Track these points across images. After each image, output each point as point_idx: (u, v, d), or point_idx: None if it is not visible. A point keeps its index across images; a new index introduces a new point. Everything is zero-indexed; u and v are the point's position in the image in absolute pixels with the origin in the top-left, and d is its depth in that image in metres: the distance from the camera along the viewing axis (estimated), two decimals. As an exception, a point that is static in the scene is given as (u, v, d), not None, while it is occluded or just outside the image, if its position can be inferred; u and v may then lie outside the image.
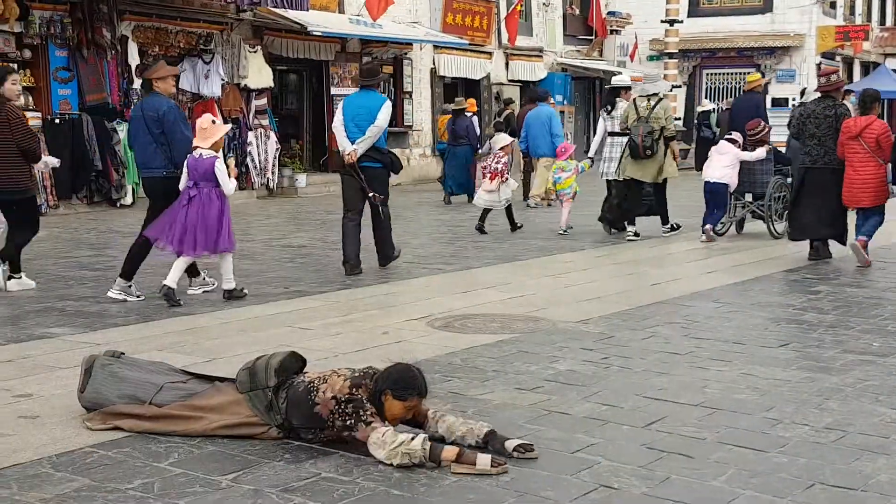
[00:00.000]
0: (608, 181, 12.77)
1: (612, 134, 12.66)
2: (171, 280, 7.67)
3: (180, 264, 7.76)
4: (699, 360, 5.89)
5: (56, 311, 7.46)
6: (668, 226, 12.31)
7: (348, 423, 4.19)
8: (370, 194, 9.27)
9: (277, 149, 18.81)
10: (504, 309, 7.56)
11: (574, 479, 3.92)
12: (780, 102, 31.73)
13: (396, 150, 22.40)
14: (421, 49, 22.89)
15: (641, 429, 4.57)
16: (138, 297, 7.88)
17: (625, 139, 12.07)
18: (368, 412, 4.20)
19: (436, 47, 23.20)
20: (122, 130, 15.77)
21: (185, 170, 7.75)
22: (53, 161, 9.55)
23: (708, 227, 11.66)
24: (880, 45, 40.22)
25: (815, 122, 9.93)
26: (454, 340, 6.44)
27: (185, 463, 4.10)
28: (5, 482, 3.88)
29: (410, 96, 22.77)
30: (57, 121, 14.98)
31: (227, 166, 7.82)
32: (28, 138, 8.22)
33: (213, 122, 8.00)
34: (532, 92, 18.76)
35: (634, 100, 12.18)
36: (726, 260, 10.24)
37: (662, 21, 28.12)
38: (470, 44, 23.96)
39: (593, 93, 30.61)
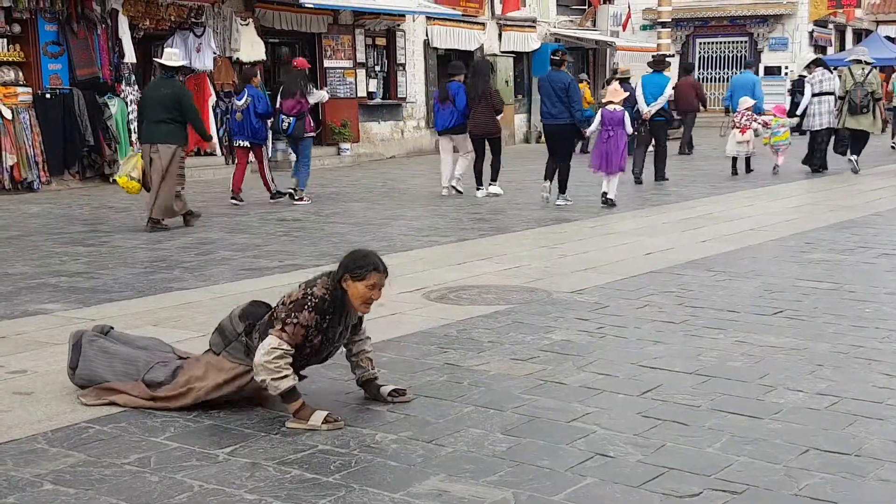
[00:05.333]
0: (812, 131, 16.43)
1: (816, 94, 16.21)
2: (612, 192, 11.99)
3: (614, 181, 12.00)
4: (693, 329, 5.91)
5: (50, 286, 7.45)
6: (855, 159, 16.15)
7: (282, 315, 4.27)
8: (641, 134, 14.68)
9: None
10: (499, 280, 7.56)
11: (570, 448, 3.94)
12: (772, 71, 31.67)
13: (390, 123, 22.45)
14: (414, 20, 22.75)
15: (636, 397, 4.59)
16: (569, 202, 12.37)
17: (827, 98, 16.06)
18: (296, 322, 4.23)
19: (429, 18, 23.05)
20: (114, 105, 15.70)
21: (599, 118, 12.09)
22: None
23: None
24: (872, 12, 40.05)
25: None
26: (450, 312, 6.45)
27: (182, 437, 4.11)
28: (0, 458, 3.89)
29: (404, 68, 22.65)
30: (48, 96, 14.89)
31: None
32: (502, 105, 13.61)
33: (618, 88, 12.78)
34: (687, 65, 23.50)
35: (850, 68, 16.00)
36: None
37: (655, -10, 27.98)
38: (463, 15, 23.82)
39: (587, 63, 30.47)
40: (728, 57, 34.31)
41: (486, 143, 13.52)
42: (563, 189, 12.49)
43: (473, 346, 5.57)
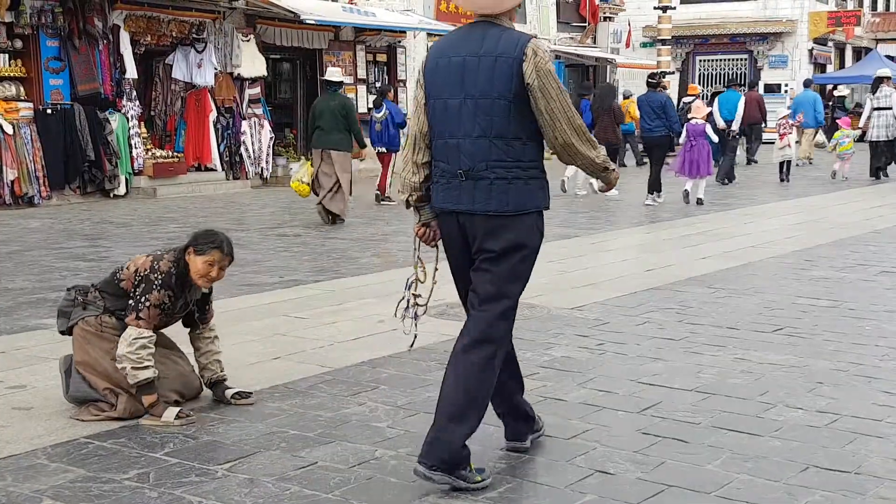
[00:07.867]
0: (872, 142, 18.57)
1: (876, 109, 18.25)
2: (701, 192, 14.26)
3: (702, 184, 14.32)
4: (693, 346, 5.91)
5: (49, 302, 7.44)
6: None
7: (130, 302, 4.44)
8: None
9: (271, 138, 18.76)
10: (498, 296, 7.54)
11: (569, 465, 3.93)
12: (772, 88, 31.75)
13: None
14: (415, 37, 22.82)
15: (636, 414, 4.58)
16: (661, 202, 14.40)
17: (885, 112, 18.05)
18: (148, 305, 4.40)
19: (429, 35, 23.12)
20: (115, 120, 15.73)
21: (685, 131, 14.51)
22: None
23: None
24: (872, 30, 40.21)
25: None
26: (450, 328, 6.42)
27: (181, 452, 4.10)
28: (0, 474, 3.88)
29: (405, 84, 22.70)
30: (49, 111, 14.91)
31: None
32: (623, 118, 16.89)
33: (700, 104, 15.36)
34: (752, 81, 26.82)
35: None
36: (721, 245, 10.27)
37: (655, 8, 28.13)
38: (463, 31, 23.85)
39: (587, 79, 30.52)
40: (728, 74, 34.44)
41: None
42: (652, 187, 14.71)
43: (473, 362, 5.55)
